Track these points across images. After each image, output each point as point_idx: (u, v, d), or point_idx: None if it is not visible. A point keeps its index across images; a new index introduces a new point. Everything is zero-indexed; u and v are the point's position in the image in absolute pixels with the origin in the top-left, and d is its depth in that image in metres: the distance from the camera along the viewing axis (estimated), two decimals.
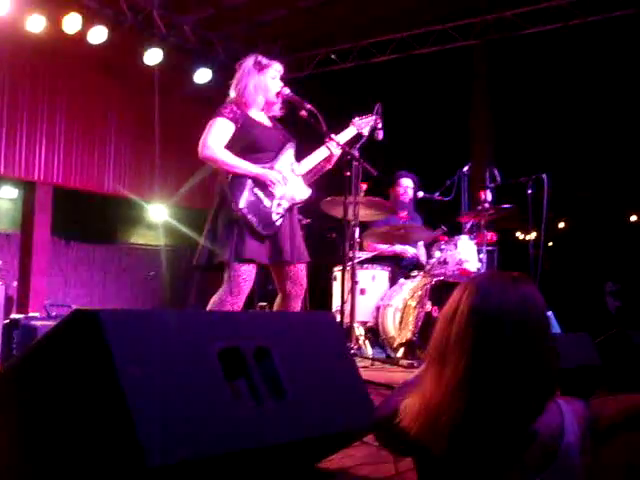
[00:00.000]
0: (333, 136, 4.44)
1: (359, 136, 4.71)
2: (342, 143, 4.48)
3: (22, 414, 1.95)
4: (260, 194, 4.11)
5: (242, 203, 4.03)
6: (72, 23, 8.35)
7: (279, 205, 4.17)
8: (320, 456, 2.45)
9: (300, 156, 4.41)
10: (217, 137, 4.12)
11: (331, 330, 2.47)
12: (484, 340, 1.64)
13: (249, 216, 4.03)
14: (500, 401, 1.63)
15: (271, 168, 4.19)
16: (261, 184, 4.12)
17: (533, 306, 1.69)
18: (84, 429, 1.79)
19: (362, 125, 4.67)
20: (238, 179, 4.08)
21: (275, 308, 4.40)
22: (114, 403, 1.69)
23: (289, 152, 4.33)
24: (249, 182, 4.09)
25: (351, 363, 2.49)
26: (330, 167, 4.58)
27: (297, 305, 4.30)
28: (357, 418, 2.32)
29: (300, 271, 4.29)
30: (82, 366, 1.80)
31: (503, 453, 1.65)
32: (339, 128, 4.60)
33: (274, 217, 4.13)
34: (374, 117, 4.75)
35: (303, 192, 4.33)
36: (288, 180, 4.25)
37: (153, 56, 9.15)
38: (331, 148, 4.42)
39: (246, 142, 4.15)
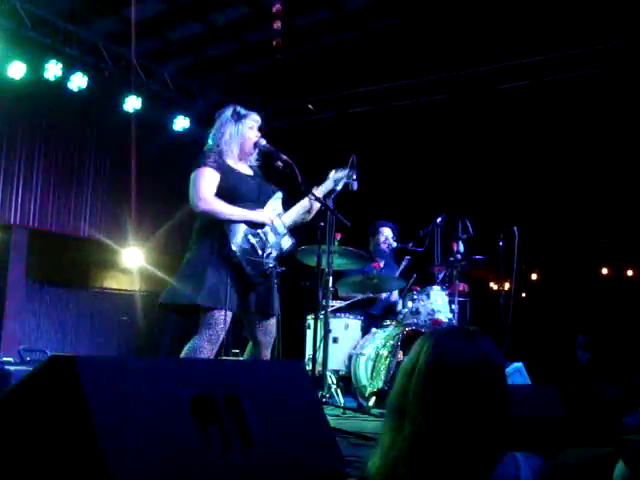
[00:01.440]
0: (314, 190, 4.51)
1: (333, 189, 4.78)
2: (319, 195, 4.54)
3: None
4: (254, 242, 4.15)
5: (235, 247, 4.06)
6: (53, 70, 8.45)
7: (269, 255, 4.22)
8: None
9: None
10: (208, 188, 4.14)
11: (300, 379, 2.52)
12: (440, 398, 1.68)
13: (244, 263, 4.07)
14: (455, 458, 1.66)
15: None
16: (255, 233, 4.17)
17: (488, 362, 1.74)
18: (58, 474, 1.81)
19: (338, 178, 4.74)
20: (233, 225, 4.12)
21: (245, 356, 4.42)
22: (88, 449, 1.72)
23: (277, 202, 4.39)
24: (244, 230, 4.13)
25: (319, 411, 2.53)
26: (309, 219, 4.64)
27: (268, 353, 4.33)
28: (324, 466, 2.35)
29: (272, 322, 4.33)
30: (57, 411, 1.83)
31: None
32: (316, 178, 4.67)
33: (266, 267, 4.17)
34: (347, 171, 4.82)
35: (288, 242, 4.40)
36: (276, 230, 4.32)
37: (132, 103, 9.27)
38: (312, 199, 4.48)
39: (226, 191, 4.18)
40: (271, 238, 4.26)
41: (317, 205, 4.56)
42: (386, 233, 7.39)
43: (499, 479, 1.69)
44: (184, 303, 4.08)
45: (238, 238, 4.11)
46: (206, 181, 4.15)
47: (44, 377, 1.87)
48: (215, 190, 4.17)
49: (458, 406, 1.68)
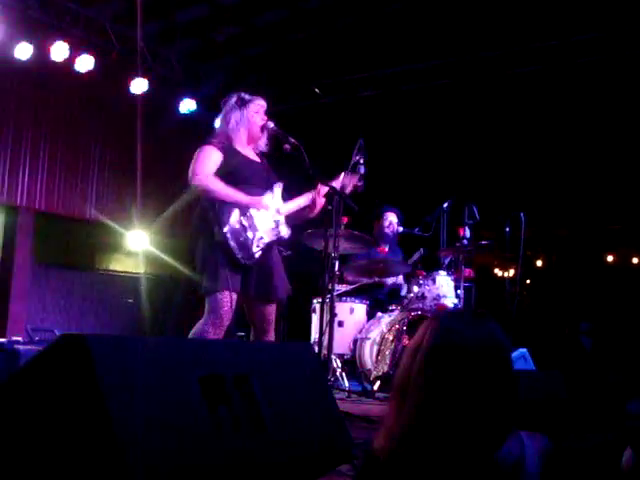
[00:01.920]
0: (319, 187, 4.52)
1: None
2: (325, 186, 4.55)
3: (8, 437, 1.98)
4: (245, 224, 4.15)
5: (226, 228, 4.06)
6: (59, 51, 8.43)
7: (261, 239, 4.21)
8: None
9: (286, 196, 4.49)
10: (207, 165, 4.16)
11: (309, 360, 2.53)
12: (441, 377, 1.69)
13: (231, 242, 4.05)
14: (456, 437, 1.67)
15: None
16: (248, 215, 4.17)
17: (493, 344, 1.74)
18: (69, 453, 1.82)
19: (345, 184, 4.71)
20: (226, 206, 4.12)
21: (252, 338, 4.44)
22: (100, 427, 1.74)
23: (277, 191, 4.39)
24: (236, 211, 4.13)
25: (328, 393, 2.54)
26: (313, 216, 4.64)
27: (270, 338, 4.33)
28: (333, 447, 2.37)
29: (271, 309, 4.34)
30: (69, 390, 1.84)
31: None
32: (323, 163, 4.66)
33: (254, 249, 4.16)
34: (357, 179, 4.82)
35: (284, 231, 4.39)
36: (273, 217, 4.32)
37: (138, 85, 9.24)
38: (316, 194, 4.48)
39: (230, 173, 4.19)
40: (264, 223, 4.24)
41: (321, 202, 4.55)
42: (390, 218, 7.39)
43: (503, 458, 1.69)
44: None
45: (230, 219, 4.10)
46: (207, 159, 4.18)
47: (56, 355, 1.88)
48: (215, 169, 4.18)
49: (459, 386, 1.68)
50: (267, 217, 4.27)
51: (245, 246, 4.11)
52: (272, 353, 2.40)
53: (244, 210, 4.16)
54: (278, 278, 4.31)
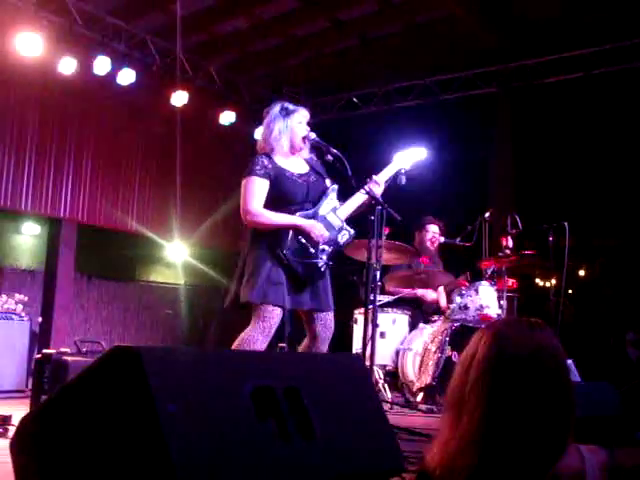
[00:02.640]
0: (374, 176, 4.48)
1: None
2: (382, 180, 4.51)
3: (60, 449, 1.99)
4: (304, 241, 4.16)
5: (289, 251, 4.09)
6: (102, 65, 8.56)
7: (323, 251, 4.22)
8: None
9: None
10: (257, 199, 4.16)
11: (358, 371, 2.51)
12: (500, 388, 1.66)
13: (294, 264, 4.09)
14: (516, 448, 1.64)
15: (315, 214, 4.26)
16: (304, 233, 4.19)
17: (549, 353, 1.71)
18: (121, 465, 1.83)
19: (404, 160, 4.68)
20: (282, 228, 4.16)
21: (301, 349, 4.42)
22: (152, 439, 1.73)
23: (332, 196, 4.38)
24: (293, 230, 4.15)
25: (378, 405, 2.51)
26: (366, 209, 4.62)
27: (325, 347, 4.34)
28: (383, 460, 2.34)
29: (330, 316, 4.35)
30: (121, 401, 1.84)
31: None
32: (363, 172, 4.64)
33: (319, 264, 4.19)
34: (416, 150, 4.79)
35: (345, 235, 4.38)
36: (331, 225, 4.32)
37: (179, 98, 9.33)
38: (372, 189, 4.45)
39: (275, 196, 4.21)
40: (322, 235, 4.25)
41: (379, 191, 4.50)
42: (432, 229, 7.32)
43: (564, 471, 1.66)
44: (242, 301, 4.14)
45: (288, 239, 4.13)
46: (253, 191, 4.18)
47: (108, 367, 1.89)
48: (264, 199, 4.19)
49: (517, 396, 1.65)
50: (326, 226, 4.26)
51: (307, 264, 4.14)
52: (322, 365, 2.39)
53: (298, 231, 4.18)
54: (327, 286, 4.32)
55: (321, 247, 4.21)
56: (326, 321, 4.32)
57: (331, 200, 4.38)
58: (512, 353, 1.68)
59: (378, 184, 4.48)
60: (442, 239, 7.12)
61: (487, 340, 1.73)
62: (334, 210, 4.38)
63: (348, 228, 4.43)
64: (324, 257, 4.22)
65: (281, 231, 4.14)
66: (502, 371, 1.67)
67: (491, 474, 1.64)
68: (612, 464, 1.70)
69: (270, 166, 4.23)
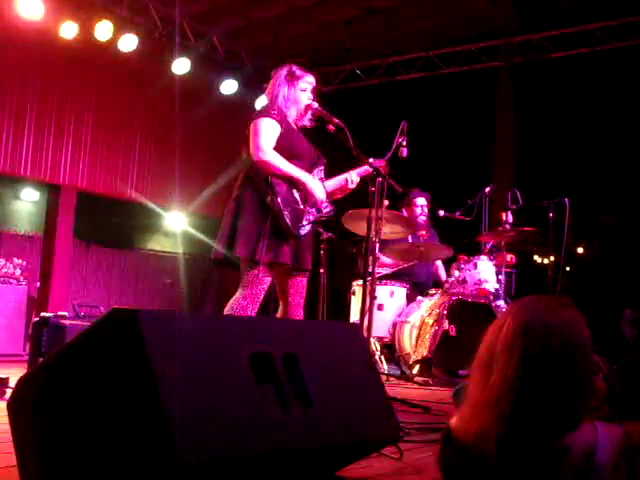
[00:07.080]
0: (371, 161, 4.45)
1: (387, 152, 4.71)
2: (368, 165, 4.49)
3: (57, 410, 1.99)
4: (297, 196, 4.13)
5: (282, 199, 4.04)
6: (104, 31, 8.48)
7: (309, 213, 4.19)
8: (340, 464, 2.48)
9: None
10: (269, 139, 4.11)
11: (356, 341, 2.51)
12: (531, 349, 1.75)
13: (285, 212, 4.03)
14: (541, 408, 1.73)
15: None
16: (300, 189, 4.15)
17: (578, 328, 1.79)
18: (118, 427, 1.83)
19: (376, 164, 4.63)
20: (279, 178, 4.09)
21: (278, 316, 4.39)
22: (149, 401, 1.74)
23: (320, 169, 4.37)
24: (288, 184, 4.12)
25: (375, 374, 2.52)
26: (339, 197, 4.60)
27: (301, 312, 4.30)
28: (378, 429, 2.35)
29: (304, 281, 4.31)
30: (118, 364, 1.84)
31: (539, 465, 1.72)
32: (364, 145, 4.61)
33: (304, 221, 4.15)
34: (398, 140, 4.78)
35: (327, 208, 4.36)
36: (320, 195, 4.30)
37: (181, 66, 9.26)
38: (350, 178, 4.44)
39: (285, 147, 4.16)
40: (312, 199, 4.23)
41: (355, 182, 4.48)
42: (420, 203, 7.31)
43: (575, 443, 1.71)
44: (228, 256, 4.07)
45: (283, 189, 4.08)
46: (266, 131, 4.12)
47: (106, 329, 1.88)
48: (274, 142, 4.14)
49: (548, 362, 1.73)
50: (315, 194, 4.23)
51: (298, 217, 4.09)
52: (321, 332, 2.38)
53: (295, 184, 4.14)
54: (307, 248, 4.28)
55: (308, 209, 4.17)
56: (299, 285, 4.27)
57: (320, 171, 4.36)
58: (543, 322, 1.77)
59: (367, 163, 4.45)
60: (442, 212, 7.09)
61: (518, 310, 1.83)
62: (321, 182, 4.35)
63: (329, 203, 4.39)
64: (310, 218, 4.18)
65: (275, 182, 4.05)
66: (533, 334, 1.75)
67: (516, 431, 1.72)
68: (627, 442, 1.74)
69: (283, 115, 4.22)
